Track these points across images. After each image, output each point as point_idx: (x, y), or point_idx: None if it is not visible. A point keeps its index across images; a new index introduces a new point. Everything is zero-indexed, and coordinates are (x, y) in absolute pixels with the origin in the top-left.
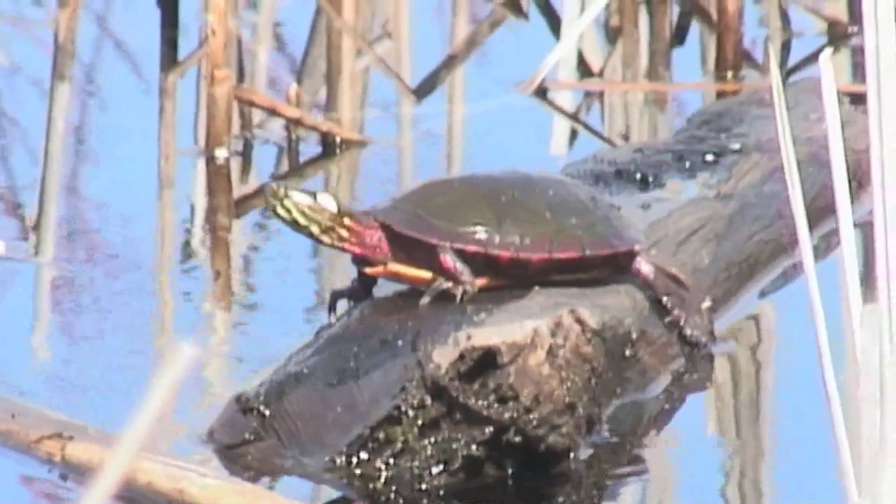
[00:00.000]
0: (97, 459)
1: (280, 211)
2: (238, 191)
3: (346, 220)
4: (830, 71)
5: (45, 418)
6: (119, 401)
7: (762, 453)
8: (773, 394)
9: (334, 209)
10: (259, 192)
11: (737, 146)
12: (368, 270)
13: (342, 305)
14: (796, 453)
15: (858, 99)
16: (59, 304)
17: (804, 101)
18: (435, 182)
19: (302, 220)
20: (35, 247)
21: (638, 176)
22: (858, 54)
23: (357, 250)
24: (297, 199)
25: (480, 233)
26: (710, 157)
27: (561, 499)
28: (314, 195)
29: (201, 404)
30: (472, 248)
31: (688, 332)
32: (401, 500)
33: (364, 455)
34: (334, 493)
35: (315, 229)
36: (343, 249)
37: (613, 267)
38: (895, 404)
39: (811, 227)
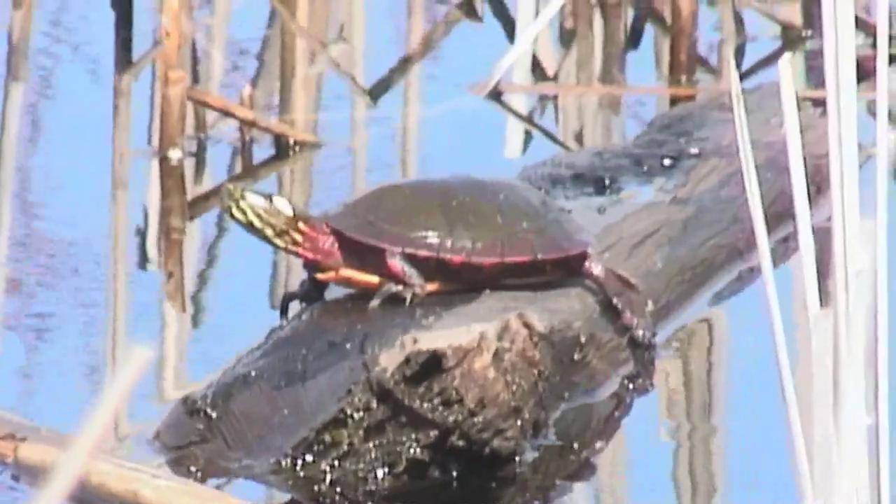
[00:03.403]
0: (50, 461)
1: (235, 212)
2: (192, 192)
3: (301, 225)
4: (790, 75)
5: None
6: (72, 402)
7: (713, 456)
8: (722, 398)
9: (290, 213)
10: (213, 193)
11: (695, 150)
12: (320, 276)
13: (294, 307)
14: (747, 456)
15: (814, 103)
16: (10, 306)
17: (767, 106)
18: (386, 187)
19: (257, 223)
20: None
21: (595, 180)
22: (813, 58)
23: (310, 255)
24: (253, 200)
25: (432, 237)
26: (667, 162)
27: (506, 501)
28: (270, 198)
29: (154, 406)
30: (423, 252)
31: (639, 333)
32: (345, 503)
33: (309, 457)
34: (279, 495)
35: (269, 232)
36: (296, 254)
37: (565, 270)
38: (849, 407)
39: (768, 231)
